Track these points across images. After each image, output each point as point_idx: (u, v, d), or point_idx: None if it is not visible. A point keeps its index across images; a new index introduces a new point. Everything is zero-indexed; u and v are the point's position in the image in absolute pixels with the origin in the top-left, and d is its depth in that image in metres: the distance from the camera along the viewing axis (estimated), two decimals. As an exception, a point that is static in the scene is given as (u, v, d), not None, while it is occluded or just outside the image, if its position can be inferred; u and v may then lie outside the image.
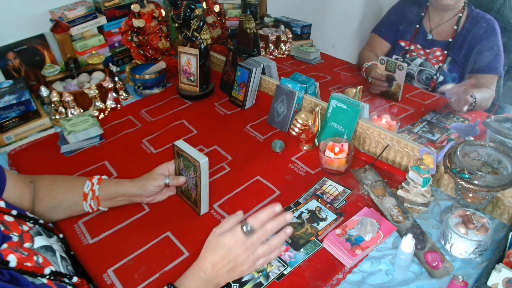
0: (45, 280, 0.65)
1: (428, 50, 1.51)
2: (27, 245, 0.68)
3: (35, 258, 0.66)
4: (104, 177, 0.95)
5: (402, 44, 1.58)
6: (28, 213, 0.77)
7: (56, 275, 0.67)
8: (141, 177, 0.95)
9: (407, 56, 1.56)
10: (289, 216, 0.75)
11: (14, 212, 0.73)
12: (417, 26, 1.52)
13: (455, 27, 1.44)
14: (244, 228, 0.71)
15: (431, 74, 1.50)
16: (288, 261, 0.84)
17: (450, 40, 1.45)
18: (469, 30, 1.43)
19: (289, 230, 0.75)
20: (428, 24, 1.51)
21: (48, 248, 0.72)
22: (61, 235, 0.83)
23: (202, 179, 0.89)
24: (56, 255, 0.73)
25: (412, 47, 1.54)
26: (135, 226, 0.94)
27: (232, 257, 0.71)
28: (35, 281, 0.63)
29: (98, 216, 0.96)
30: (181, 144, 0.93)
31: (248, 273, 0.75)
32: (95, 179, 0.93)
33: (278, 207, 0.74)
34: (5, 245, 0.64)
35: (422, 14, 1.51)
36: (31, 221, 0.75)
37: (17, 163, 1.18)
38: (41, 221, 0.78)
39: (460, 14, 1.43)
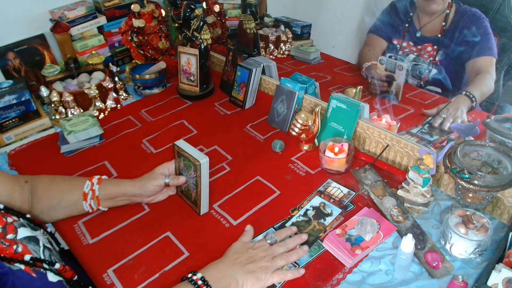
0: (22, 266, 0.65)
1: (419, 47, 1.55)
2: (9, 236, 0.69)
3: (14, 247, 0.67)
4: (104, 177, 0.95)
5: (395, 42, 1.61)
6: (15, 209, 0.77)
7: (35, 261, 0.68)
8: (141, 177, 0.95)
9: (400, 53, 1.59)
10: (304, 236, 0.88)
11: (0, 206, 0.74)
12: (407, 25, 1.56)
13: (443, 23, 1.48)
14: (269, 240, 0.84)
15: (424, 68, 1.54)
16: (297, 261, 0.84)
17: (439, 35, 1.49)
18: (457, 24, 1.46)
19: (305, 238, 0.87)
20: (418, 22, 1.55)
21: (32, 239, 0.73)
22: (49, 229, 0.83)
23: (202, 178, 0.89)
24: (39, 245, 0.73)
25: (404, 44, 1.58)
26: (135, 226, 0.94)
27: (254, 253, 0.80)
28: (11, 267, 0.64)
29: (98, 216, 0.96)
30: (181, 143, 0.93)
31: (265, 275, 0.77)
32: (95, 179, 0.93)
33: (294, 228, 0.89)
34: None
35: (411, 14, 1.55)
36: (18, 215, 0.76)
37: (17, 163, 1.18)
38: (28, 216, 0.78)
39: (448, 11, 1.47)
